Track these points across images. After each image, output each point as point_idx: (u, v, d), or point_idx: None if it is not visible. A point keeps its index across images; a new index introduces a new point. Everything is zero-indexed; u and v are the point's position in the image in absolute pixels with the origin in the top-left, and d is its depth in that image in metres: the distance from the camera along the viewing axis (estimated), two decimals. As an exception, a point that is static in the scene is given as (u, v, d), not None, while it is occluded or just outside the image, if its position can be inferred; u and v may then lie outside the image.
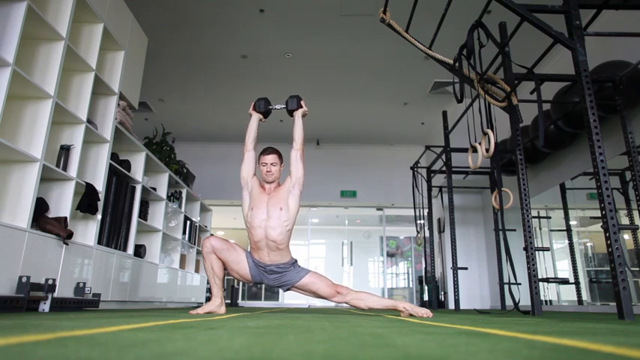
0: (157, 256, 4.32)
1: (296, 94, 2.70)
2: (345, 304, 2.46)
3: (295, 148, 2.51)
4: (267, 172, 2.48)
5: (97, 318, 1.50)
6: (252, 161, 2.55)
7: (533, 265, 3.03)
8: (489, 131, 3.27)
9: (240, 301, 9.12)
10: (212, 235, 2.49)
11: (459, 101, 3.49)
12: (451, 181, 5.63)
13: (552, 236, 5.91)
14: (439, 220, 7.50)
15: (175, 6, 4.87)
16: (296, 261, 2.49)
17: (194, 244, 5.64)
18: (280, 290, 2.53)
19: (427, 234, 7.18)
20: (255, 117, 2.65)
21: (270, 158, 2.50)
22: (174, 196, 5.06)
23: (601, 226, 2.32)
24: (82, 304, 2.76)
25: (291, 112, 2.67)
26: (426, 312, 2.24)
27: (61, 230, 2.57)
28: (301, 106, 2.64)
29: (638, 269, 4.28)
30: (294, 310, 4.05)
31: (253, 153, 2.57)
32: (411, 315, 2.25)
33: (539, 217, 5.88)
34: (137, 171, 3.83)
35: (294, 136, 2.53)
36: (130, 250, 3.66)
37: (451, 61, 3.54)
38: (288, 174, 2.52)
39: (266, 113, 2.68)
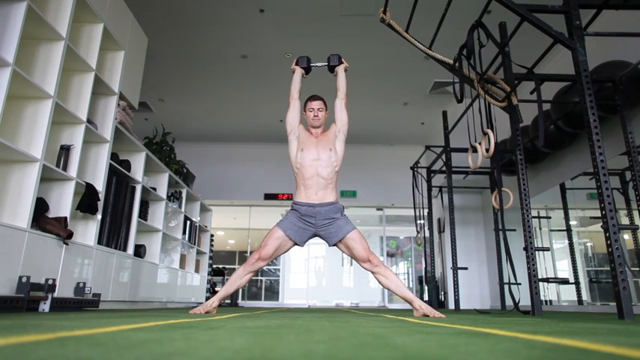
0: (157, 256, 4.32)
1: (336, 53, 2.83)
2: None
3: (340, 97, 2.67)
4: (315, 116, 2.61)
5: (97, 318, 1.50)
6: (297, 109, 2.66)
7: (533, 265, 3.03)
8: (489, 131, 3.27)
9: (240, 301, 9.11)
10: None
11: (459, 101, 3.49)
12: (451, 181, 5.63)
13: (552, 236, 5.91)
14: (439, 220, 7.50)
15: (175, 6, 4.87)
16: (343, 207, 2.53)
17: (194, 244, 5.65)
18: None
19: (427, 234, 7.18)
20: (299, 71, 2.77)
21: (317, 104, 2.64)
22: (174, 196, 5.06)
23: (601, 226, 2.32)
24: (82, 304, 2.76)
25: (332, 69, 2.79)
26: (439, 315, 2.25)
27: (61, 230, 2.57)
28: (342, 62, 2.78)
29: (638, 269, 4.28)
30: (294, 310, 4.05)
31: (299, 102, 2.69)
32: (425, 315, 2.25)
33: (539, 217, 5.88)
34: (137, 171, 3.83)
35: (339, 86, 2.70)
36: (130, 250, 3.66)
37: (451, 61, 3.54)
38: (333, 121, 2.65)
39: (307, 69, 2.80)
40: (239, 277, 2.39)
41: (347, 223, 2.45)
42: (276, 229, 2.43)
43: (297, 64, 2.77)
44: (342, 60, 2.78)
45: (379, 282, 2.47)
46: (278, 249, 2.43)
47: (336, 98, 2.68)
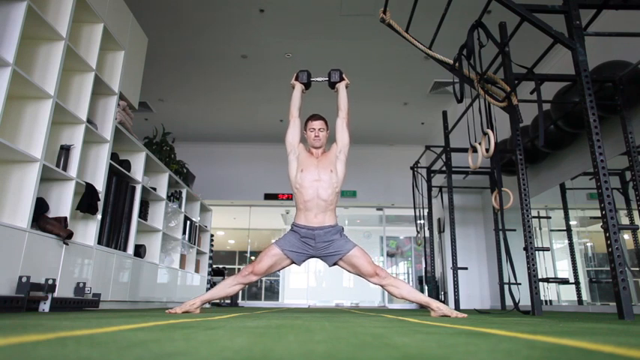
0: (156, 256, 4.32)
1: (337, 68, 2.74)
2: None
3: (341, 117, 2.61)
4: (315, 137, 2.55)
5: (97, 318, 1.50)
6: (297, 128, 2.60)
7: (533, 265, 3.03)
8: (489, 131, 3.27)
9: (240, 301, 9.11)
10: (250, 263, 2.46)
11: (459, 101, 3.49)
12: (451, 181, 5.63)
13: (552, 236, 5.91)
14: (439, 220, 7.49)
15: (175, 6, 4.87)
16: (343, 228, 2.49)
17: (194, 244, 5.65)
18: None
19: (427, 234, 7.18)
20: (299, 87, 2.69)
21: (318, 124, 2.57)
22: (174, 196, 5.06)
23: (601, 226, 2.32)
24: (82, 304, 2.76)
25: (333, 85, 2.71)
26: (461, 315, 2.21)
27: (61, 230, 2.57)
28: (343, 79, 2.70)
29: (638, 269, 4.28)
30: (294, 310, 4.05)
31: (299, 120, 2.62)
32: (444, 315, 2.20)
33: (539, 217, 5.88)
34: (137, 171, 3.83)
35: (340, 105, 2.63)
36: (130, 250, 3.65)
37: (451, 61, 3.54)
38: (333, 141, 2.59)
39: (307, 84, 2.73)
40: (228, 286, 2.36)
41: (347, 242, 2.41)
42: (273, 247, 2.40)
43: (296, 79, 2.68)
44: (344, 76, 2.69)
45: (391, 293, 2.40)
46: (273, 266, 2.40)
47: (337, 117, 2.61)
